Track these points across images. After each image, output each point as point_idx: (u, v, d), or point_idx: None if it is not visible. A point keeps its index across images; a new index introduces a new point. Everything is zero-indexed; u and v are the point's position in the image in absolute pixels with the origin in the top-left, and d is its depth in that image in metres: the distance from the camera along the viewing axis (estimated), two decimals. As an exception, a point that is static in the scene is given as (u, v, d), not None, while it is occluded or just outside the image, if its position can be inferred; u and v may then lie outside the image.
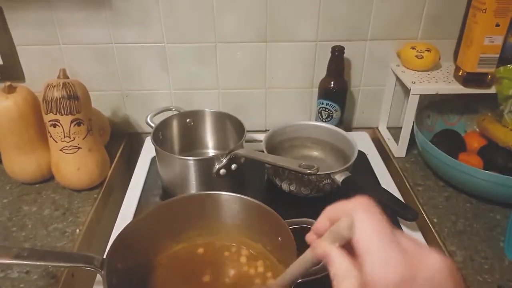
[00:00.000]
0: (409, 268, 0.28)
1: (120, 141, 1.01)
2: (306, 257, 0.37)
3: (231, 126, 0.90)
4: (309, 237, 0.37)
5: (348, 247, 0.32)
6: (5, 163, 0.84)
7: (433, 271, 0.29)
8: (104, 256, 0.53)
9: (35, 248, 0.68)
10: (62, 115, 0.75)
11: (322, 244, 0.34)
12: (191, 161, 0.78)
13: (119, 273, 0.53)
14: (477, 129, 0.93)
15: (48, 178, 0.86)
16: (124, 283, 0.53)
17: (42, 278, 0.65)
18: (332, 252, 0.33)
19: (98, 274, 0.65)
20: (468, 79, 0.83)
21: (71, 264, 0.54)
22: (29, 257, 0.50)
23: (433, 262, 0.29)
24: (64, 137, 0.77)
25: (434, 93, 0.85)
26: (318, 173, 0.67)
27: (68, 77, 0.77)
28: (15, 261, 0.50)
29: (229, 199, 0.63)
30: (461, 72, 0.84)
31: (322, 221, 0.36)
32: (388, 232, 0.30)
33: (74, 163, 0.79)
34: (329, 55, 0.92)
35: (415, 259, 0.29)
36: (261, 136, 0.86)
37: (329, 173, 0.76)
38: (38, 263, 0.51)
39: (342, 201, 0.34)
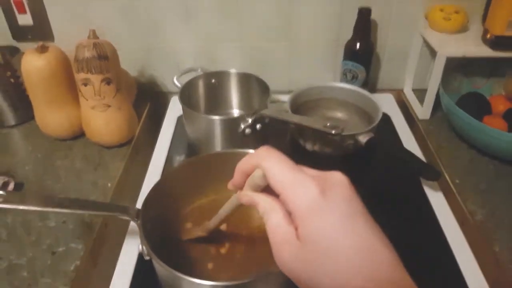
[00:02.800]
0: (320, 184, 0.33)
1: (146, 100, 1.04)
2: (232, 201, 0.46)
3: (255, 87, 0.91)
4: (229, 185, 0.42)
5: (267, 191, 0.37)
6: (38, 120, 0.88)
7: (339, 183, 0.34)
8: (138, 207, 0.56)
9: (75, 198, 0.72)
10: (93, 74, 0.77)
11: (245, 194, 0.39)
12: (218, 120, 0.80)
13: (152, 222, 0.56)
14: (504, 93, 0.92)
15: (79, 135, 0.89)
16: (155, 230, 0.56)
17: (78, 228, 0.69)
18: (255, 196, 0.37)
19: (129, 226, 0.69)
20: (497, 42, 0.81)
21: (109, 213, 0.57)
22: (70, 206, 0.54)
23: (337, 177, 0.34)
24: (95, 95, 0.80)
25: (461, 55, 0.84)
26: (343, 133, 0.68)
27: (97, 38, 0.79)
28: (58, 209, 0.53)
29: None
30: (489, 35, 0.82)
31: (237, 176, 0.39)
32: (292, 165, 0.35)
33: (105, 120, 0.82)
34: (355, 15, 0.91)
35: (321, 178, 0.34)
36: (285, 97, 0.87)
37: (353, 134, 0.77)
38: (79, 211, 0.54)
39: (248, 155, 0.38)
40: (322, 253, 0.31)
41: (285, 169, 0.34)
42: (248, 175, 0.38)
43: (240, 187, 0.40)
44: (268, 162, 0.35)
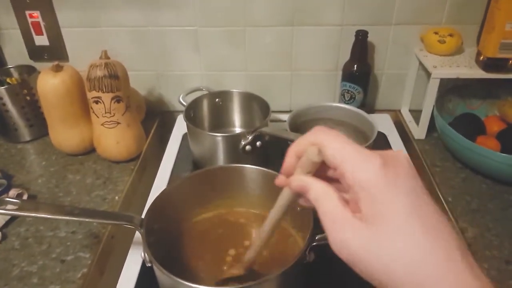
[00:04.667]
0: (382, 158, 0.31)
1: (154, 118, 1.09)
2: (283, 196, 0.40)
3: (257, 106, 0.95)
4: (279, 179, 0.39)
5: (319, 176, 0.35)
6: (51, 136, 0.93)
7: (402, 160, 0.32)
8: (143, 217, 0.60)
9: (84, 208, 0.76)
10: (103, 92, 0.82)
11: (296, 177, 0.36)
12: (219, 137, 0.84)
13: (155, 232, 0.60)
14: (498, 114, 0.95)
15: (90, 150, 0.94)
16: (159, 242, 0.60)
17: (86, 238, 0.73)
18: (308, 180, 0.35)
19: (134, 237, 0.73)
20: (489, 64, 0.85)
21: (115, 222, 0.61)
22: (79, 215, 0.57)
23: (400, 157, 0.33)
24: (105, 112, 0.85)
25: (455, 77, 0.88)
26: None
27: (109, 58, 0.84)
28: (67, 217, 0.57)
29: (253, 172, 0.69)
30: (482, 57, 0.86)
31: (290, 158, 0.37)
32: (351, 142, 0.33)
33: (114, 137, 0.87)
34: (354, 39, 0.95)
35: (385, 155, 0.32)
36: (285, 116, 0.90)
37: (349, 152, 0.80)
38: (87, 219, 0.58)
39: (301, 136, 0.36)
40: (391, 234, 0.29)
41: (345, 143, 0.33)
42: (301, 156, 0.36)
43: (290, 174, 0.37)
44: (326, 136, 0.34)
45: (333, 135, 0.34)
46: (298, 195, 0.38)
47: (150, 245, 0.55)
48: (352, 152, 0.32)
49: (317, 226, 0.48)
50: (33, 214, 0.58)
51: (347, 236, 0.31)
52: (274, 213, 0.42)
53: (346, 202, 0.33)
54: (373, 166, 0.31)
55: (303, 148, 0.36)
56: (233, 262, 0.61)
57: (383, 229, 0.30)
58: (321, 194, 0.33)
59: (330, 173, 0.36)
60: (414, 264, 0.29)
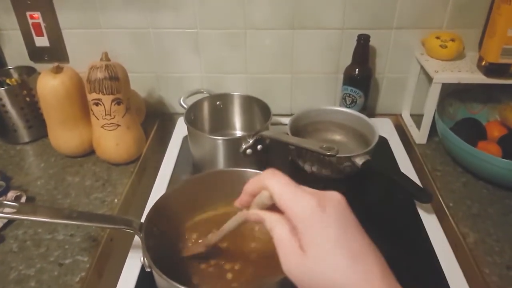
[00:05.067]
0: (318, 199, 0.37)
1: (154, 120, 1.08)
2: (239, 217, 0.48)
3: (258, 109, 0.95)
4: (236, 203, 0.46)
5: (272, 209, 0.42)
6: (51, 138, 0.92)
7: (335, 200, 0.38)
8: (142, 221, 0.60)
9: (82, 211, 0.76)
10: (104, 94, 0.82)
11: (253, 212, 0.43)
12: (220, 140, 0.84)
13: (155, 237, 0.59)
14: (499, 119, 0.95)
15: (89, 152, 0.94)
16: (159, 246, 0.59)
17: (84, 241, 0.72)
18: (261, 213, 0.42)
19: (133, 241, 0.72)
20: (491, 69, 0.85)
21: (114, 226, 0.60)
22: (78, 218, 0.57)
23: (333, 195, 0.39)
24: (105, 115, 0.84)
25: (456, 82, 0.87)
26: (338, 155, 0.71)
27: (109, 60, 0.84)
28: (66, 221, 0.57)
29: (253, 176, 0.68)
30: (484, 62, 0.86)
31: (244, 196, 0.44)
32: (294, 184, 0.39)
33: (114, 139, 0.86)
34: (355, 42, 0.95)
35: (320, 195, 0.38)
36: (286, 120, 0.91)
37: (349, 156, 0.80)
38: (85, 223, 0.58)
39: (254, 178, 0.42)
40: (321, 260, 0.35)
41: (288, 188, 0.39)
42: (254, 195, 0.43)
43: (247, 206, 0.44)
44: (272, 182, 0.40)
45: (278, 180, 0.40)
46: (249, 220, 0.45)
47: (150, 249, 0.55)
48: (293, 195, 0.38)
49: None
50: (31, 218, 0.57)
51: (291, 263, 0.37)
52: (229, 226, 0.52)
53: (296, 232, 0.38)
54: (308, 205, 0.37)
55: (254, 189, 0.42)
56: (197, 240, 0.64)
57: (314, 256, 0.36)
58: (273, 225, 0.40)
59: None
60: (337, 286, 0.35)
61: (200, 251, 0.60)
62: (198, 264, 0.62)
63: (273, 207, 0.41)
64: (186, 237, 0.66)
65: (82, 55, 1.03)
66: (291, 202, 0.38)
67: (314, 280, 0.36)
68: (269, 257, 0.61)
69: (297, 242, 0.37)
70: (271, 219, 0.40)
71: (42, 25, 1.00)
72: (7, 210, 0.57)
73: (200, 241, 0.63)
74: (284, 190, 0.39)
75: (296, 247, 0.37)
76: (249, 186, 0.43)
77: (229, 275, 0.60)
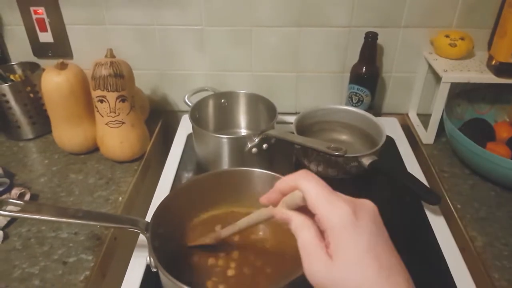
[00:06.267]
0: (353, 207, 0.37)
1: (158, 118, 1.07)
2: (264, 213, 0.47)
3: (263, 108, 0.94)
4: (263, 199, 0.46)
5: (300, 210, 0.41)
6: (54, 134, 0.92)
7: (369, 209, 0.38)
8: (148, 221, 0.59)
9: (88, 210, 0.75)
10: (108, 91, 0.81)
11: (281, 210, 0.42)
12: (225, 139, 0.83)
13: (161, 236, 0.58)
14: (508, 119, 0.93)
15: (93, 150, 0.93)
16: (164, 246, 0.59)
17: (88, 239, 0.72)
18: (290, 213, 0.41)
19: (138, 240, 0.71)
20: (501, 69, 0.84)
21: (120, 225, 0.60)
22: (83, 218, 0.56)
23: (367, 204, 0.39)
24: (110, 112, 0.83)
25: (466, 81, 0.86)
26: (345, 155, 0.70)
27: (114, 57, 0.83)
28: (71, 220, 0.56)
29: (260, 176, 0.67)
30: (494, 62, 0.85)
31: (274, 194, 0.43)
32: (329, 189, 0.39)
33: (118, 137, 0.86)
34: (362, 40, 0.94)
35: (355, 202, 0.38)
36: (292, 118, 0.90)
37: (356, 156, 0.79)
38: (91, 223, 0.57)
39: (287, 177, 0.41)
40: (350, 269, 0.35)
41: (323, 191, 0.38)
42: (284, 194, 0.42)
43: (272, 202, 0.44)
44: (308, 184, 0.39)
45: (314, 182, 0.39)
46: (273, 217, 0.44)
47: (156, 249, 0.54)
48: (327, 199, 0.38)
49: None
50: (36, 217, 0.56)
51: (316, 268, 0.37)
52: (252, 219, 0.50)
53: (322, 237, 0.38)
54: (343, 212, 0.36)
55: (286, 188, 0.42)
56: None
57: (343, 264, 0.35)
58: (300, 227, 0.39)
59: None
60: None
61: (207, 243, 0.60)
62: (205, 264, 0.61)
63: (300, 209, 0.40)
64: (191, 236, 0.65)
65: (86, 51, 1.02)
66: (326, 208, 0.37)
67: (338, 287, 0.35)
68: (279, 258, 0.61)
69: (324, 248, 0.37)
70: (298, 222, 0.40)
71: (46, 20, 0.99)
72: (11, 208, 0.56)
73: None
74: (319, 194, 0.38)
75: (323, 253, 0.37)
76: (281, 184, 0.42)
77: (233, 272, 0.60)
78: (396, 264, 0.36)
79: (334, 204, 0.37)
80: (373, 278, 0.34)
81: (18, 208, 0.56)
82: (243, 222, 0.52)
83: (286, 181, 0.42)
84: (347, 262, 0.35)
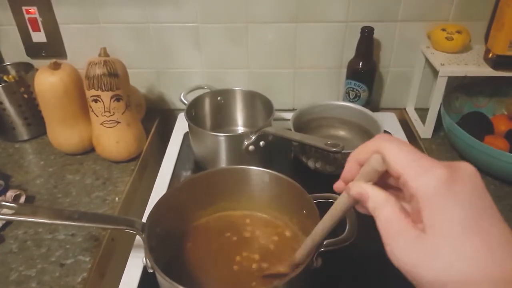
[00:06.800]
0: (448, 169, 0.30)
1: (154, 117, 1.07)
2: (340, 203, 0.39)
3: (260, 105, 0.93)
4: (338, 184, 0.40)
5: (378, 184, 0.35)
6: (50, 135, 0.91)
7: (470, 174, 0.31)
8: (144, 221, 0.58)
9: (84, 211, 0.75)
10: (103, 91, 0.80)
11: (357, 184, 0.36)
12: (222, 137, 0.82)
13: (157, 237, 0.58)
14: (506, 112, 0.93)
15: (89, 150, 0.92)
16: (161, 246, 0.58)
17: (86, 241, 0.71)
18: (368, 188, 0.35)
19: (135, 240, 0.71)
20: (498, 62, 0.83)
21: (116, 227, 0.59)
22: (79, 219, 0.56)
23: (467, 167, 0.31)
24: (105, 111, 0.83)
25: (463, 75, 0.86)
26: (343, 151, 0.70)
27: (108, 55, 0.82)
28: (67, 222, 0.55)
29: (258, 173, 0.67)
30: (491, 55, 0.84)
31: (351, 165, 0.37)
32: (416, 150, 0.33)
33: (114, 137, 0.85)
34: (359, 35, 0.93)
35: (451, 166, 0.31)
36: (289, 115, 0.89)
37: (354, 152, 0.79)
38: (87, 224, 0.56)
39: (363, 144, 0.36)
40: (447, 243, 0.29)
41: (410, 151, 0.32)
42: (362, 164, 0.36)
43: (349, 181, 0.37)
44: (390, 145, 0.33)
45: (397, 143, 0.33)
46: (356, 202, 0.37)
47: (152, 250, 0.54)
48: (416, 161, 0.31)
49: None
50: (30, 219, 0.56)
51: (401, 244, 0.31)
52: (329, 217, 0.42)
53: (407, 212, 0.32)
54: (437, 177, 0.30)
55: (364, 156, 0.35)
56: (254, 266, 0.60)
57: (438, 237, 0.29)
58: (381, 203, 0.33)
59: (391, 181, 0.36)
60: (465, 280, 0.28)
61: (281, 272, 0.53)
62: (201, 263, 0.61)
63: (378, 182, 0.35)
64: (189, 238, 0.65)
65: (80, 51, 1.01)
66: (416, 171, 0.31)
67: (434, 269, 0.29)
68: (277, 260, 0.60)
69: (410, 222, 0.31)
70: (379, 198, 0.33)
71: (39, 20, 0.98)
72: (5, 211, 0.56)
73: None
74: (404, 154, 0.32)
75: (411, 227, 0.31)
76: (357, 153, 0.36)
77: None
78: (507, 241, 0.29)
79: (426, 166, 0.31)
80: (476, 254, 0.28)
81: (13, 211, 0.55)
82: (320, 229, 0.44)
83: (364, 147, 0.36)
84: (444, 235, 0.29)
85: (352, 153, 0.37)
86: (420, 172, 0.31)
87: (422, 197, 0.30)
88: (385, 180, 0.36)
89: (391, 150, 0.33)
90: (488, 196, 0.31)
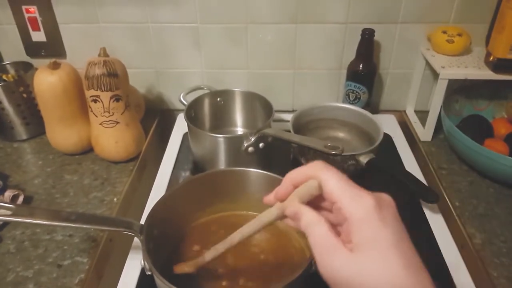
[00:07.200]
0: (375, 198, 0.36)
1: (153, 117, 1.06)
2: (266, 216, 0.42)
3: (259, 106, 0.93)
4: (269, 198, 0.43)
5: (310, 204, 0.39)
6: (48, 135, 0.91)
7: (389, 203, 0.37)
8: (142, 223, 0.58)
9: (81, 212, 0.74)
10: (102, 91, 0.80)
11: (293, 204, 0.39)
12: (221, 138, 0.82)
13: (155, 239, 0.58)
14: (506, 116, 0.93)
15: (88, 150, 0.92)
16: (159, 248, 0.58)
17: (83, 242, 0.71)
18: (302, 208, 0.38)
19: (133, 241, 0.70)
20: (499, 65, 0.83)
21: (114, 228, 0.58)
22: (76, 221, 0.55)
23: (387, 197, 0.38)
24: (104, 112, 0.82)
25: (463, 78, 0.86)
26: (342, 154, 0.69)
27: (108, 55, 0.82)
28: (64, 224, 0.55)
29: (256, 175, 0.67)
30: (491, 58, 0.84)
31: (287, 186, 0.41)
32: (349, 180, 0.38)
33: (113, 137, 0.85)
34: (359, 37, 0.93)
35: (375, 195, 0.37)
36: (289, 116, 0.89)
37: (354, 155, 0.79)
38: (84, 226, 0.56)
39: (300, 167, 0.39)
40: (375, 260, 0.34)
41: (345, 181, 0.37)
42: (296, 186, 0.40)
43: (281, 198, 0.41)
44: (326, 173, 0.38)
45: (332, 172, 0.38)
46: (282, 218, 0.41)
47: (150, 251, 0.53)
48: (349, 190, 0.36)
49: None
50: (28, 220, 0.55)
51: (335, 263, 0.35)
52: (249, 228, 0.45)
53: (337, 233, 0.36)
54: (368, 204, 0.35)
55: (301, 179, 0.39)
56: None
57: (367, 256, 0.34)
58: (312, 222, 0.37)
59: (325, 204, 0.40)
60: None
61: (189, 271, 0.54)
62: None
63: (308, 204, 0.39)
64: (187, 240, 0.65)
65: (80, 50, 1.01)
66: (347, 196, 0.36)
67: (362, 281, 0.34)
68: (274, 267, 0.60)
69: (340, 241, 0.35)
70: (311, 217, 0.37)
71: (39, 19, 0.98)
72: (2, 212, 0.55)
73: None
74: (342, 184, 0.37)
75: (341, 247, 0.35)
76: (294, 175, 0.40)
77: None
78: (418, 261, 0.35)
79: (358, 194, 0.36)
80: (400, 269, 0.33)
81: (10, 212, 0.55)
82: (237, 238, 0.46)
83: (299, 171, 0.39)
84: (373, 254, 0.34)
85: (289, 174, 0.40)
86: (354, 199, 0.36)
87: (355, 220, 0.35)
88: (316, 202, 0.40)
89: (330, 179, 0.37)
90: (402, 222, 0.37)
